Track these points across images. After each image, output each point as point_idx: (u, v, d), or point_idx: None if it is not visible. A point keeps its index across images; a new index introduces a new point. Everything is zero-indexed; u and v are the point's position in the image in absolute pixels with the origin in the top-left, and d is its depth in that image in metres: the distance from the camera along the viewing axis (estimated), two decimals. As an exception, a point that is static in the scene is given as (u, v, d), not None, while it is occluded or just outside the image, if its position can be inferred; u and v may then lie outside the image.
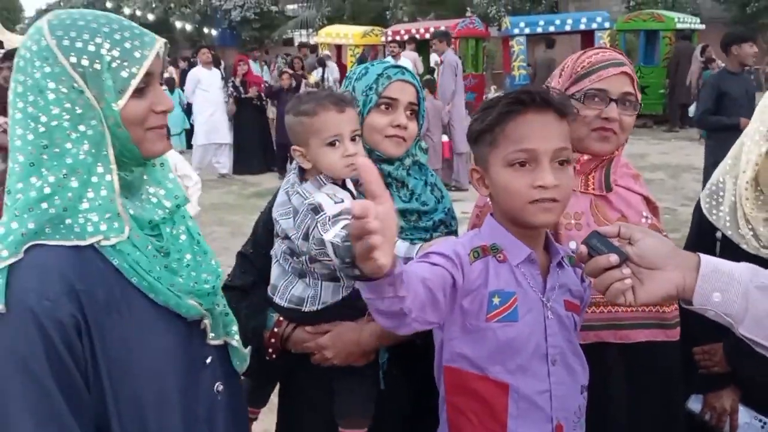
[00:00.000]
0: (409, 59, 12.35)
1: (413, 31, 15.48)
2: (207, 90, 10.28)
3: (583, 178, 1.74)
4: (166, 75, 14.17)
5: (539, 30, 14.47)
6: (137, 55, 1.19)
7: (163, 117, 1.27)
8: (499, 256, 1.44)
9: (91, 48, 1.16)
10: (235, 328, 1.45)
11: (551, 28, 14.51)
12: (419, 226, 1.80)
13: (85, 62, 1.15)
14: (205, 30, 30.84)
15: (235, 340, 1.43)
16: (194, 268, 1.32)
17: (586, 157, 1.72)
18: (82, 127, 1.16)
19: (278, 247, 1.78)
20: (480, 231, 1.52)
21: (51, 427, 1.10)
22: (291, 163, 1.83)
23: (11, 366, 1.10)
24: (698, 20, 15.85)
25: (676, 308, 1.73)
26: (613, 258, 1.19)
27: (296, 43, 30.23)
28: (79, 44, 1.15)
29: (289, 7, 32.71)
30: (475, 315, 1.41)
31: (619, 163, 1.81)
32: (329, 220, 1.57)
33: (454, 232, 1.88)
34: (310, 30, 27.18)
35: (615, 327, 1.68)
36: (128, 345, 1.19)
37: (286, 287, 1.76)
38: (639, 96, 1.75)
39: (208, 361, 1.35)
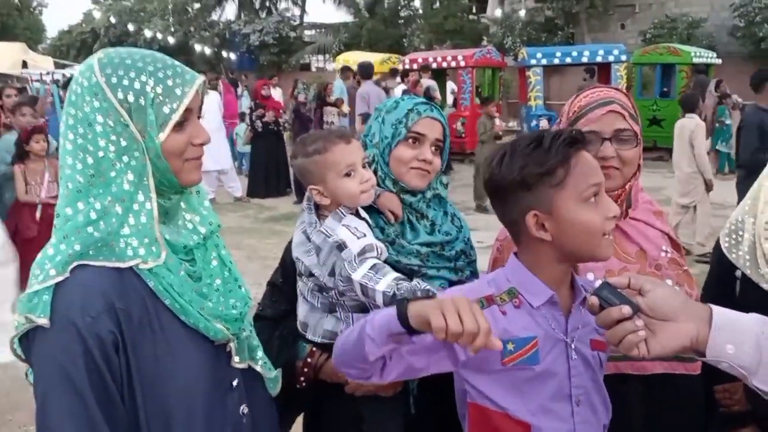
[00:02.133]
0: (427, 86, 12.48)
1: (430, 59, 15.61)
2: (203, 117, 10.32)
3: None
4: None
5: (556, 61, 14.57)
6: (178, 92, 1.27)
7: (199, 149, 1.35)
8: (515, 301, 1.45)
9: (137, 85, 1.24)
10: (260, 353, 1.51)
11: (568, 60, 14.60)
12: (443, 255, 1.84)
13: (131, 98, 1.24)
14: (224, 54, 31.23)
15: (259, 366, 1.49)
16: (223, 294, 1.39)
17: None
18: (126, 158, 1.24)
19: (303, 286, 1.82)
20: (501, 272, 1.52)
21: None
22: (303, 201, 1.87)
23: (54, 376, 1.17)
24: (714, 55, 15.91)
25: None
26: (626, 309, 1.19)
27: (313, 68, 30.78)
28: (125, 82, 1.24)
29: (307, 33, 33.17)
30: (488, 361, 1.42)
31: (638, 197, 1.83)
32: (355, 259, 1.64)
33: (474, 261, 1.93)
34: (327, 56, 27.49)
35: (631, 358, 1.65)
36: (160, 362, 1.25)
37: (317, 323, 1.80)
38: (636, 128, 1.77)
39: (235, 383, 1.40)
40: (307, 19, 34.48)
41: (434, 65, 14.92)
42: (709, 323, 1.18)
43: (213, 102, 10.87)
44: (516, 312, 1.44)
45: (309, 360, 1.81)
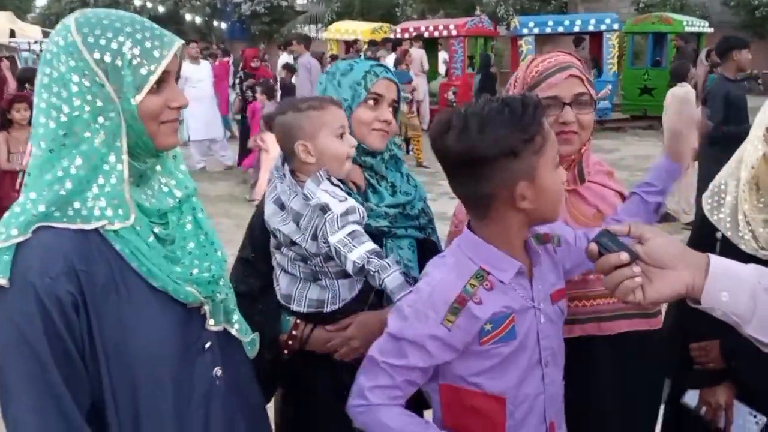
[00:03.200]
0: (416, 56, 12.42)
1: (422, 28, 15.51)
2: (195, 86, 10.30)
3: None
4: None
5: (548, 30, 14.48)
6: (156, 54, 1.26)
7: (176, 112, 1.34)
8: (486, 284, 1.43)
9: (114, 45, 1.23)
10: (236, 317, 1.50)
11: (560, 29, 14.51)
12: (408, 215, 1.87)
13: (107, 58, 1.23)
14: (215, 23, 30.87)
15: (234, 329, 1.48)
16: (198, 257, 1.39)
17: None
18: (101, 119, 1.24)
19: (282, 257, 1.80)
20: (459, 253, 1.48)
21: (47, 398, 1.18)
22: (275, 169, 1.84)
23: (12, 338, 1.18)
24: (707, 24, 15.84)
25: None
26: (624, 256, 1.20)
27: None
28: (102, 41, 1.23)
29: (299, 2, 32.73)
30: (468, 344, 1.44)
31: (590, 159, 1.86)
32: (338, 220, 1.64)
33: (432, 219, 1.97)
34: (320, 25, 27.22)
35: (598, 320, 1.73)
36: (124, 326, 1.25)
37: (301, 293, 1.79)
38: (593, 92, 1.78)
39: (207, 345, 1.39)
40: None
41: (426, 35, 14.84)
42: (706, 271, 1.19)
43: (204, 71, 10.83)
44: (488, 294, 1.43)
45: (294, 332, 1.80)
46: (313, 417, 1.88)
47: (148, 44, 1.26)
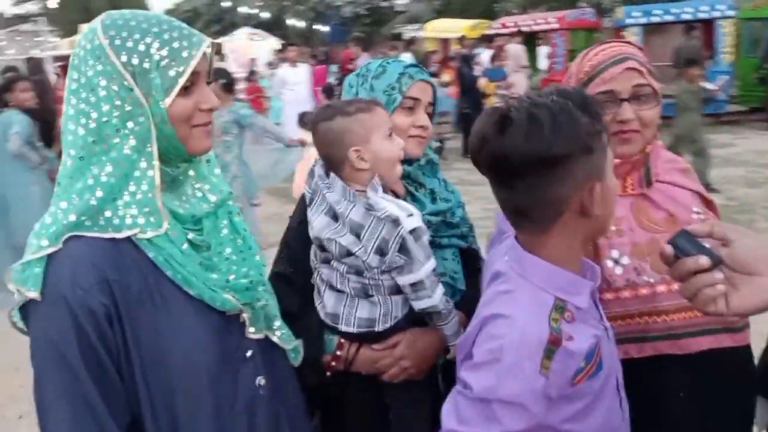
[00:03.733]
0: (513, 52, 12.13)
1: (521, 23, 15.15)
2: (293, 88, 10.52)
3: (620, 181, 1.61)
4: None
5: (655, 19, 13.74)
6: (185, 54, 1.22)
7: (208, 115, 1.29)
8: (567, 316, 1.22)
9: (141, 47, 1.20)
10: (278, 323, 1.44)
11: (668, 18, 13.76)
12: (450, 223, 1.78)
13: (135, 61, 1.20)
14: (317, 27, 31.54)
15: (276, 336, 1.43)
16: (236, 263, 1.35)
17: (616, 161, 1.58)
18: (130, 124, 1.20)
19: (330, 272, 1.69)
20: (527, 285, 1.25)
21: (83, 411, 1.15)
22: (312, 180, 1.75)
23: (47, 353, 1.16)
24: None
25: None
26: (704, 260, 1.05)
27: (404, 38, 30.53)
28: (129, 44, 1.20)
29: (399, 2, 32.91)
30: (561, 387, 1.22)
31: (660, 158, 1.67)
32: (414, 247, 1.57)
33: (472, 226, 1.87)
34: (419, 25, 27.19)
35: (673, 337, 1.53)
36: (161, 335, 1.21)
37: (349, 312, 1.68)
38: (656, 85, 1.60)
39: (248, 354, 1.35)
40: (399, -13, 34.16)
41: (525, 29, 14.49)
42: None
43: (302, 74, 11.01)
44: (573, 327, 1.22)
45: (338, 353, 1.69)
46: None
47: (176, 45, 1.22)
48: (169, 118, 1.23)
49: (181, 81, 1.22)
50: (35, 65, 11.85)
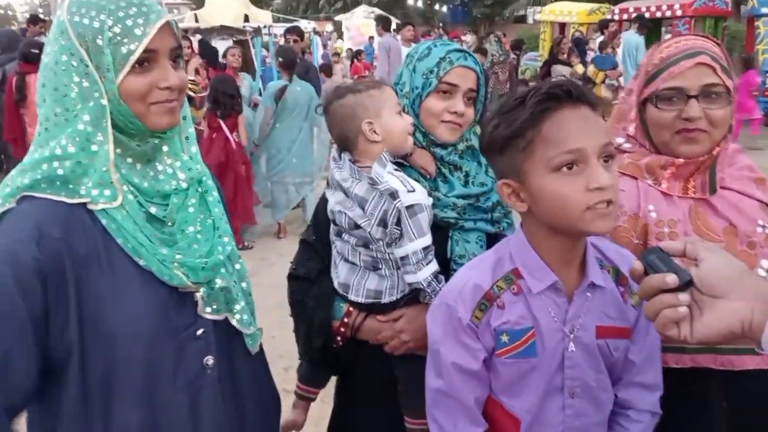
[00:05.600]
0: (631, 41, 11.52)
1: (643, 8, 14.37)
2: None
3: (682, 182, 1.56)
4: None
5: (793, 8, 12.68)
6: (138, 32, 1.25)
7: (168, 93, 1.31)
8: (513, 288, 1.36)
9: (96, 24, 1.24)
10: (238, 306, 1.45)
11: (811, 7, 12.63)
12: (479, 207, 1.77)
13: (89, 37, 1.24)
14: (437, 7, 31.33)
15: (235, 320, 1.44)
16: (196, 241, 1.37)
17: (680, 160, 1.54)
18: (87, 99, 1.25)
19: (343, 244, 1.78)
20: (507, 248, 1.41)
21: None
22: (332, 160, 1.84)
23: None
24: None
25: None
26: (670, 279, 0.98)
27: (530, 21, 29.74)
28: (86, 20, 1.24)
29: (524, -18, 32.09)
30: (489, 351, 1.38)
31: (728, 163, 1.59)
32: (410, 223, 1.62)
33: (510, 212, 1.84)
34: (539, 8, 26.40)
35: (714, 351, 1.47)
36: (102, 298, 1.25)
37: (359, 283, 1.77)
38: (729, 83, 1.52)
39: (199, 333, 1.37)
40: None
41: (647, 15, 13.72)
42: None
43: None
44: (514, 300, 1.35)
45: (346, 320, 1.78)
46: (366, 406, 1.88)
47: (129, 22, 1.24)
48: (121, 95, 1.26)
49: (132, 58, 1.25)
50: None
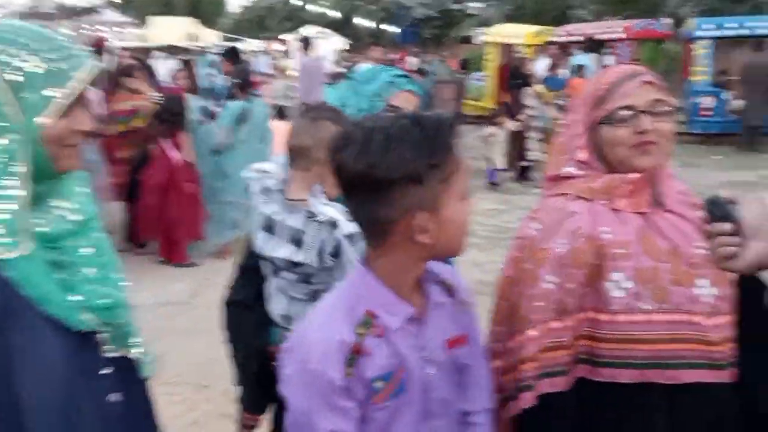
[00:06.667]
0: (582, 61, 11.81)
1: (588, 31, 14.79)
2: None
3: (633, 198, 1.62)
4: (333, 70, 14.70)
5: (728, 33, 13.17)
6: (63, 76, 1.22)
7: (81, 136, 1.29)
8: (375, 331, 1.29)
9: (17, 63, 1.20)
10: (134, 339, 1.45)
11: (742, 32, 13.14)
12: None
13: (9, 76, 1.19)
14: (387, 27, 31.67)
15: (133, 352, 1.44)
16: (95, 282, 1.34)
17: (634, 176, 1.61)
18: (2, 139, 1.20)
19: (281, 281, 1.76)
20: (352, 292, 1.33)
21: None
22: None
23: None
24: None
25: (730, 348, 1.56)
26: (726, 226, 1.22)
27: (475, 42, 30.27)
28: (6, 58, 1.20)
29: (472, 5, 32.67)
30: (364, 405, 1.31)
31: (672, 187, 1.67)
32: (352, 239, 1.63)
33: None
34: (489, 28, 26.92)
35: (661, 366, 1.53)
36: (11, 353, 1.21)
37: (301, 313, 1.72)
38: (671, 101, 1.63)
39: (104, 372, 1.36)
40: (472, -10, 33.92)
41: (593, 38, 14.10)
42: None
43: None
44: (377, 342, 1.29)
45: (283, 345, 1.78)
46: None
47: (55, 65, 1.21)
48: (41, 137, 1.21)
49: (59, 102, 1.21)
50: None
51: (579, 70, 10.30)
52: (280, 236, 1.68)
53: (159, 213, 6.21)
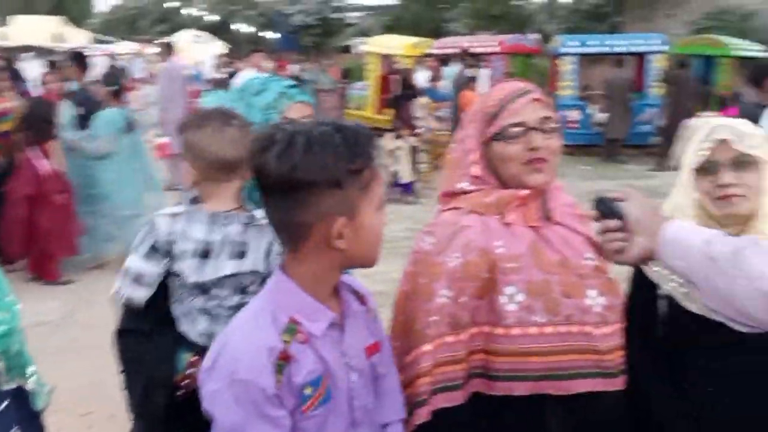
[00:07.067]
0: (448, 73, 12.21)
1: (464, 44, 15.33)
2: None
3: (524, 212, 1.64)
4: (214, 76, 14.36)
5: (590, 50, 14.09)
6: None
7: None
8: (300, 337, 1.28)
9: None
10: (30, 369, 1.38)
11: (603, 49, 14.11)
12: None
13: None
14: (266, 34, 31.32)
15: (29, 382, 1.37)
16: None
17: (525, 192, 1.63)
18: None
19: (207, 300, 1.71)
20: (272, 300, 1.31)
21: None
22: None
23: None
24: (762, 48, 15.17)
25: (620, 356, 1.62)
26: (613, 223, 1.38)
27: (355, 51, 30.57)
28: None
29: (351, 15, 33.00)
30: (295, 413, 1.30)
31: (558, 199, 1.70)
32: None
33: None
34: (367, 38, 27.27)
35: (555, 378, 1.56)
36: None
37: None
38: (557, 117, 1.67)
39: (2, 406, 1.30)
40: (350, 0, 34.25)
41: (470, 51, 14.64)
42: (660, 238, 1.32)
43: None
44: (303, 349, 1.28)
45: (189, 372, 1.70)
46: None
47: None
48: None
49: None
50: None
51: (469, 82, 10.61)
52: (220, 256, 1.64)
53: (27, 227, 5.80)
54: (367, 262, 1.34)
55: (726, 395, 1.67)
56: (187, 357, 1.70)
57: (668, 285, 1.74)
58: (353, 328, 1.39)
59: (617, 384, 1.60)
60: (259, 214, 1.65)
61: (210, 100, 1.87)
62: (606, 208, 1.39)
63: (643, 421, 1.78)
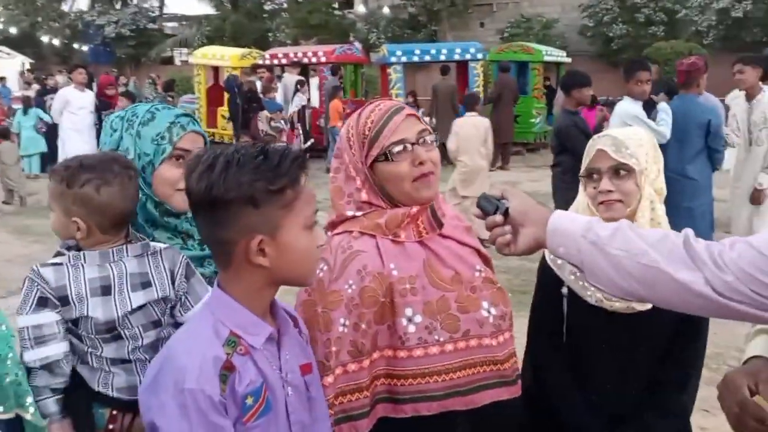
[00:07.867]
0: (290, 83, 12.19)
1: (292, 55, 15.35)
2: (76, 113, 9.47)
3: (414, 229, 1.65)
4: (22, 93, 13.27)
5: (415, 59, 14.71)
6: None
7: None
8: (241, 349, 1.31)
9: None
10: (29, 399, 1.33)
11: (427, 57, 14.80)
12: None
13: None
14: (76, 46, 29.31)
15: (29, 414, 1.32)
16: None
17: (416, 208, 1.64)
18: None
19: (119, 346, 1.60)
20: (210, 315, 1.34)
21: None
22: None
23: None
24: (565, 54, 16.69)
25: (515, 362, 1.68)
26: (498, 218, 1.43)
27: (177, 62, 29.53)
28: None
29: (169, 25, 31.81)
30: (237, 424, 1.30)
31: (445, 213, 1.72)
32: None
33: None
34: (190, 49, 26.42)
35: (460, 393, 1.58)
36: None
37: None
38: (431, 128, 1.71)
39: None
40: (166, 10, 32.95)
41: (296, 61, 14.68)
42: (546, 227, 1.39)
43: (88, 99, 9.82)
44: (244, 360, 1.31)
45: (111, 426, 1.58)
46: None
47: None
48: None
49: None
50: None
51: (335, 92, 10.61)
52: (122, 290, 1.56)
53: None
54: (301, 280, 1.40)
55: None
56: (105, 412, 1.58)
57: (568, 276, 1.86)
58: (288, 345, 1.40)
59: (516, 390, 1.67)
60: (154, 242, 1.61)
61: (105, 141, 1.74)
62: (491, 205, 1.44)
63: (543, 420, 1.89)
